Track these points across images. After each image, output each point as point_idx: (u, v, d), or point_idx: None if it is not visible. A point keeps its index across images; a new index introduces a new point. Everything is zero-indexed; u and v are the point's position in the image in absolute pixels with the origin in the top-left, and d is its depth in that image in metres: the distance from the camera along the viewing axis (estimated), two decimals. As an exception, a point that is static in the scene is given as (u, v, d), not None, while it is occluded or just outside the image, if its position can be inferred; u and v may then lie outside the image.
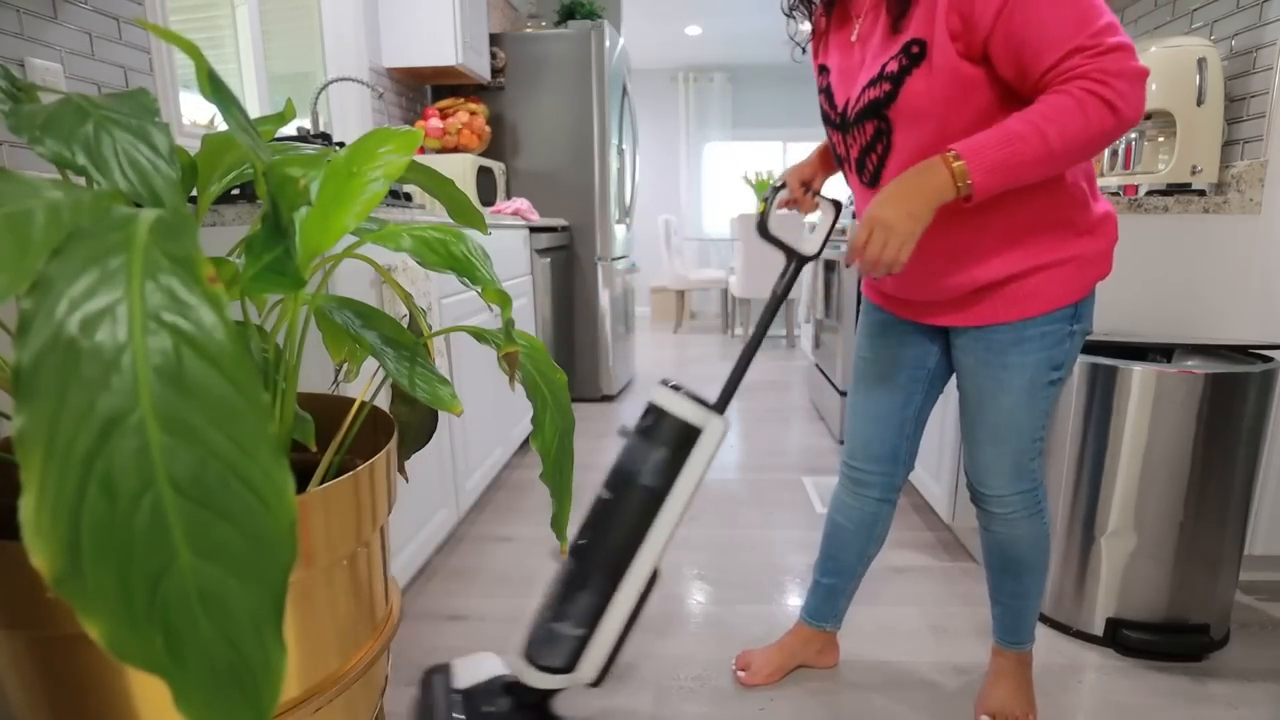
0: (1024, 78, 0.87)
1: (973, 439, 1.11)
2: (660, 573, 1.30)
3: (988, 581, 1.23)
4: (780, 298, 1.11)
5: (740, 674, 1.34)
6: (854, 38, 1.00)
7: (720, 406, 1.06)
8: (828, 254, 2.86)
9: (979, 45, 0.86)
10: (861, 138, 1.00)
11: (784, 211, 1.15)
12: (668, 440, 1.03)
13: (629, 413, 3.22)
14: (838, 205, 1.19)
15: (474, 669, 1.12)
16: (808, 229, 1.19)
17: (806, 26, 1.14)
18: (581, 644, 1.04)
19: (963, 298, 1.04)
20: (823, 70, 1.07)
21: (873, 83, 0.95)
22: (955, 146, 0.87)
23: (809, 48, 1.13)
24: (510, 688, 1.08)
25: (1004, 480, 1.10)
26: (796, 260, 1.13)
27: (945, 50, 0.87)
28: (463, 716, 1.05)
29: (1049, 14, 0.82)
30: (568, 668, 1.05)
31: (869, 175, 1.03)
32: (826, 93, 1.06)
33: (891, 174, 0.99)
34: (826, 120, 1.08)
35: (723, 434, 1.04)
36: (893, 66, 0.92)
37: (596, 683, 1.05)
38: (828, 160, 1.22)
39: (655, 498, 1.03)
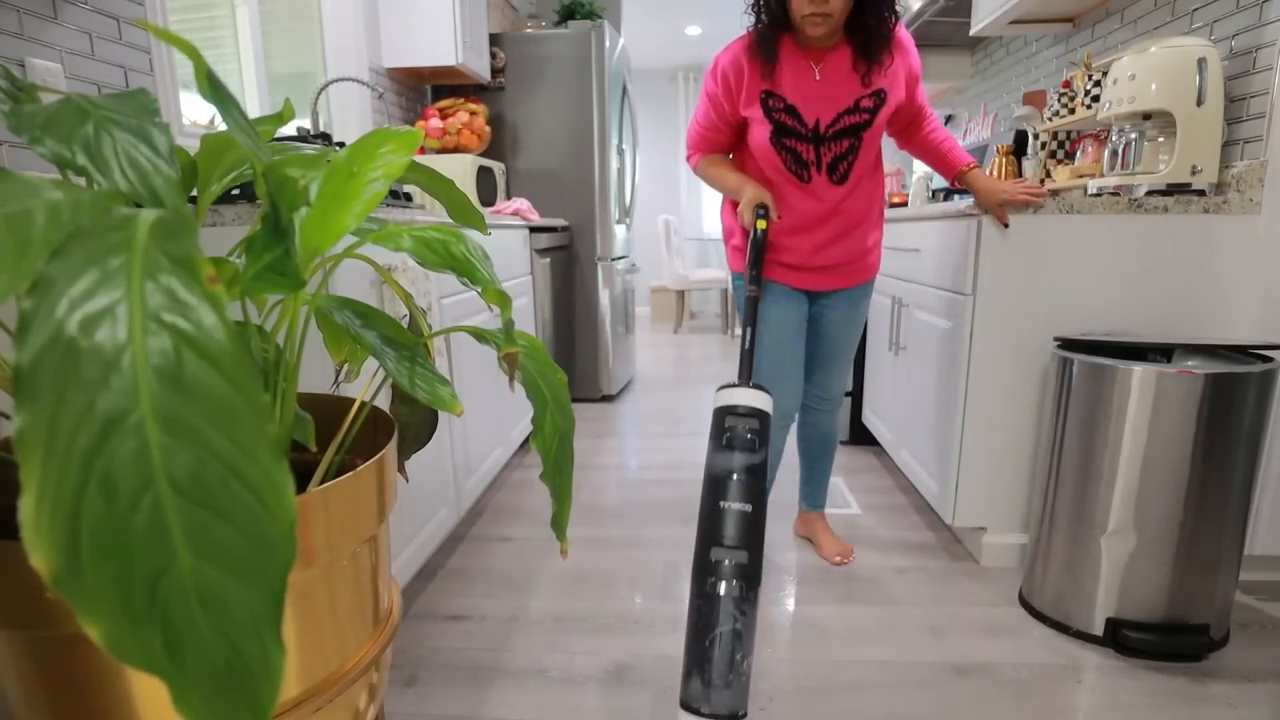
0: (898, 116, 1.59)
1: (832, 367, 1.70)
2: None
3: (809, 467, 1.83)
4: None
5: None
6: (817, 78, 1.45)
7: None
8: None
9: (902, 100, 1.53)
10: (836, 149, 1.49)
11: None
12: (758, 430, 1.13)
13: (629, 413, 3.23)
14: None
15: None
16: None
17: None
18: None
19: (852, 264, 1.59)
20: (772, 95, 1.46)
21: (849, 112, 1.46)
22: (970, 160, 1.59)
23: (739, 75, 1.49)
24: None
25: (840, 386, 1.74)
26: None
27: (897, 98, 1.49)
28: None
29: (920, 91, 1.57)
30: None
31: (840, 175, 1.51)
32: (791, 112, 1.47)
33: (857, 174, 1.52)
34: (793, 134, 1.48)
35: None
36: (868, 103, 1.46)
37: None
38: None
39: (763, 491, 1.12)
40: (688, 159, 1.66)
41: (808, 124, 1.45)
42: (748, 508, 1.07)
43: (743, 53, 1.47)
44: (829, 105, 1.44)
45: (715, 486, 1.08)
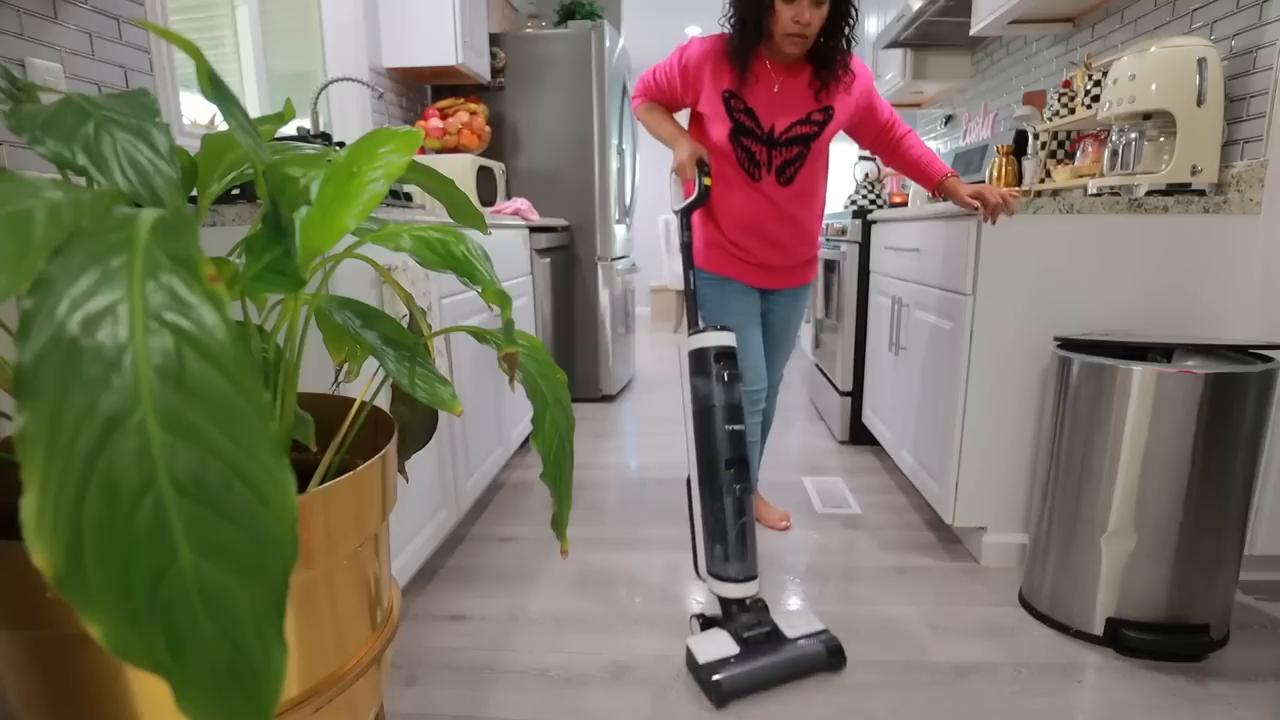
0: (865, 129, 1.77)
1: (779, 356, 1.94)
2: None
3: (759, 452, 1.97)
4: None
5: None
6: (776, 89, 1.63)
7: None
8: (827, 254, 2.86)
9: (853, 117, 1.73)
10: (787, 153, 1.66)
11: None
12: (736, 366, 1.41)
13: (629, 412, 3.23)
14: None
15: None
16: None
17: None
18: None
19: (799, 266, 1.82)
20: (735, 97, 1.63)
21: (801, 123, 1.64)
22: (948, 170, 1.70)
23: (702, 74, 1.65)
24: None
25: (783, 370, 1.99)
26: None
27: (843, 117, 1.67)
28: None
29: (880, 102, 1.76)
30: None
31: (787, 178, 1.68)
32: (749, 114, 1.63)
33: (802, 178, 1.69)
34: (750, 134, 1.64)
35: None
36: (818, 117, 1.65)
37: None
38: None
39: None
40: (632, 99, 1.81)
41: (763, 127, 1.64)
42: (740, 427, 1.38)
43: (718, 52, 1.62)
44: (784, 114, 1.63)
45: (715, 413, 1.38)
